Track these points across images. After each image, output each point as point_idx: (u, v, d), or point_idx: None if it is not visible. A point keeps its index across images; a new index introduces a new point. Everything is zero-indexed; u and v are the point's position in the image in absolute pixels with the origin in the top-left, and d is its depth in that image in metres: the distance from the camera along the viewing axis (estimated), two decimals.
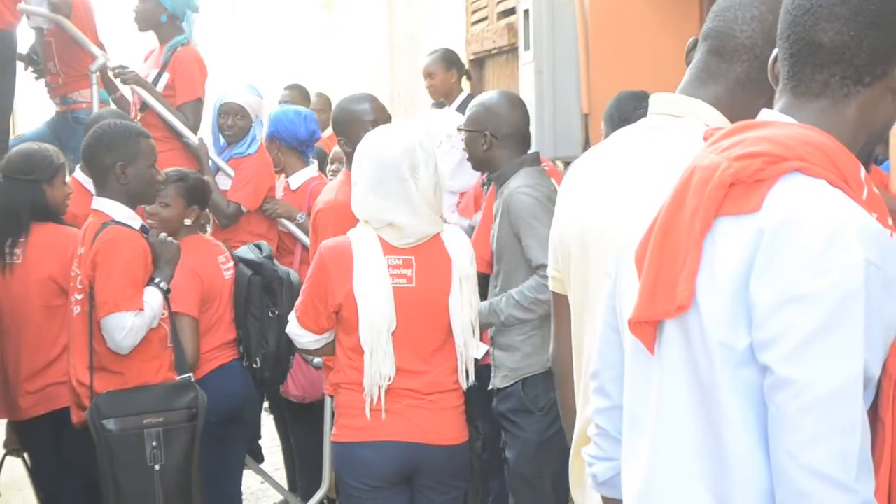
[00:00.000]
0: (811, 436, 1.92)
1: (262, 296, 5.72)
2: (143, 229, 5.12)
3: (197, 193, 5.67)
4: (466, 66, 9.06)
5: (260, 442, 7.39)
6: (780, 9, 2.17)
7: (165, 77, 7.27)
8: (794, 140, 2.05)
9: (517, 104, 5.34)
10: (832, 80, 2.10)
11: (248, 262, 5.78)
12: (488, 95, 5.42)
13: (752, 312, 1.97)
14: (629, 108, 5.81)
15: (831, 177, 2.02)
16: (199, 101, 7.32)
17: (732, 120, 2.24)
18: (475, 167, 5.36)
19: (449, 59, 8.51)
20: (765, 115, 2.16)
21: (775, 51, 2.19)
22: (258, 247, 5.96)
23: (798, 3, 2.11)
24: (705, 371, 2.04)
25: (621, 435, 2.29)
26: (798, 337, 1.93)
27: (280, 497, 7.06)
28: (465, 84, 8.53)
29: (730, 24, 2.67)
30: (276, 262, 5.97)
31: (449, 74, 8.42)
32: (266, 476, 6.87)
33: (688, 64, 2.82)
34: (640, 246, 2.15)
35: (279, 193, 7.03)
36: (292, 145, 6.97)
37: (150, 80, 7.27)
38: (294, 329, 4.64)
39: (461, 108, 7.67)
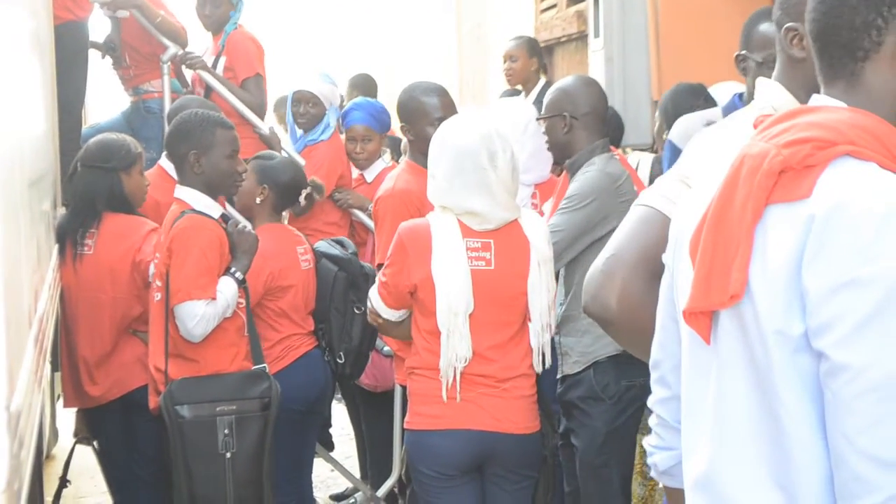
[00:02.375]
0: (867, 420, 1.93)
1: (346, 291, 5.74)
2: (224, 218, 5.16)
3: (269, 174, 5.66)
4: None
5: (330, 430, 7.43)
6: None
7: (223, 60, 7.34)
8: (844, 124, 2.05)
9: (592, 84, 5.35)
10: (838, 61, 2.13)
11: (332, 258, 5.79)
12: (563, 80, 5.43)
13: (804, 299, 1.98)
14: (685, 104, 5.76)
15: (881, 159, 2.03)
16: (259, 77, 7.36)
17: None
18: (556, 156, 5.34)
19: (532, 47, 8.48)
20: (815, 100, 2.17)
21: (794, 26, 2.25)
22: (340, 243, 5.98)
23: None
24: (761, 359, 2.04)
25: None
26: (851, 322, 1.93)
27: (350, 485, 7.09)
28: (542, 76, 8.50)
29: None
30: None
31: (530, 61, 8.39)
32: (336, 464, 6.90)
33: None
34: (694, 236, 2.16)
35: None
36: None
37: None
38: (377, 303, 4.65)
39: (538, 100, 7.63)
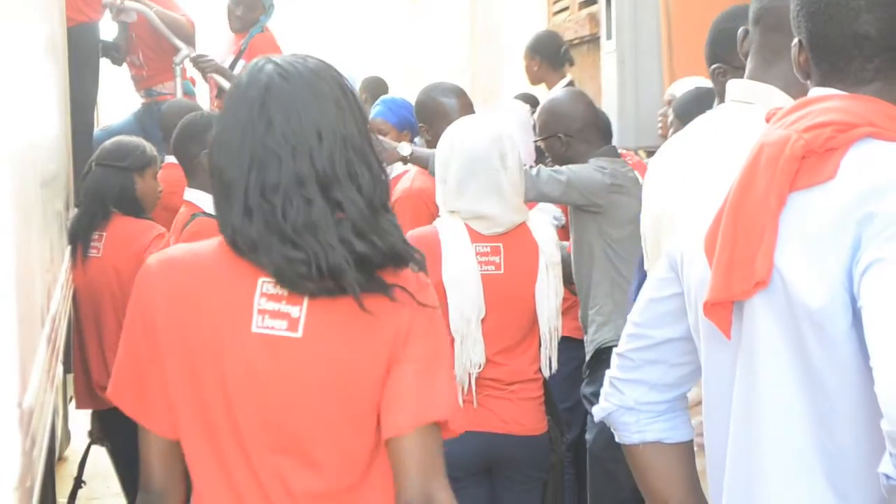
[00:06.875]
0: None
1: None
2: None
3: None
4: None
5: None
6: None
7: (241, 64, 7.32)
8: (862, 108, 2.05)
9: (578, 97, 5.39)
10: (884, 65, 2.10)
11: None
12: (550, 100, 5.49)
13: (852, 278, 1.93)
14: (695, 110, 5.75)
15: None
16: None
17: (805, 92, 2.24)
18: None
19: (533, 47, 8.39)
20: (820, 91, 2.14)
21: (795, 40, 2.18)
22: None
23: (829, 2, 2.10)
24: (799, 344, 2.01)
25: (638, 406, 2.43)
26: None
27: None
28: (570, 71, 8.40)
29: None
30: None
31: (531, 62, 8.34)
32: None
33: (743, 54, 2.88)
34: (710, 233, 2.12)
35: None
36: None
37: (226, 66, 7.33)
38: None
39: None
